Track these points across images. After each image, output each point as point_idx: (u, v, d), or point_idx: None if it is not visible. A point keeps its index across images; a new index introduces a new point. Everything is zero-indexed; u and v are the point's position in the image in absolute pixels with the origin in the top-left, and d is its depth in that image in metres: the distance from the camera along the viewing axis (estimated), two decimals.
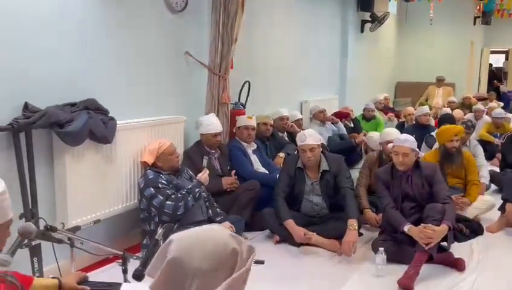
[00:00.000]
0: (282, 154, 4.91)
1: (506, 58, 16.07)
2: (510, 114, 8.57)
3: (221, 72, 4.30)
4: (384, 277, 3.17)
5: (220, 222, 3.48)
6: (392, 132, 4.28)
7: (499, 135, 7.01)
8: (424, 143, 6.05)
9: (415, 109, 8.09)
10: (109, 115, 3.25)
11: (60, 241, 2.01)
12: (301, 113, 6.53)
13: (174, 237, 1.13)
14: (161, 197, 3.29)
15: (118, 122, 3.30)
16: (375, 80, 10.01)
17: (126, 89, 3.63)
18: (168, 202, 3.29)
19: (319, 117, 6.38)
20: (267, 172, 4.47)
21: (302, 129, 5.78)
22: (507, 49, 15.69)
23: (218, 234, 1.13)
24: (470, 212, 4.25)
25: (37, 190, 2.86)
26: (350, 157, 5.10)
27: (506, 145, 5.69)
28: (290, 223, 3.60)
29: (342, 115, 6.79)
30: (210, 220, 3.54)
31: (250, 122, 4.47)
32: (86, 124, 2.95)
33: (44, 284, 1.75)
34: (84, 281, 1.92)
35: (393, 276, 3.14)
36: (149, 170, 3.41)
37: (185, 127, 4.16)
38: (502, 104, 11.04)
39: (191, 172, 3.70)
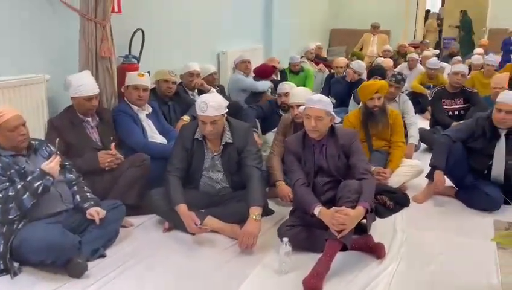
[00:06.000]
0: (186, 118, 4.16)
1: (443, 5, 15.78)
2: (445, 64, 8.20)
3: (98, 17, 3.41)
4: (288, 274, 2.60)
5: (87, 209, 2.75)
6: (301, 93, 3.60)
7: (432, 86, 6.59)
8: (352, 98, 5.50)
9: (348, 60, 7.52)
10: None
11: None
12: (218, 66, 5.78)
13: None
14: None
15: None
16: (307, 28, 9.30)
17: None
18: None
19: (241, 68, 5.65)
20: (166, 141, 3.72)
21: (216, 86, 5.05)
22: None
23: None
24: (395, 181, 3.76)
25: None
26: (269, 119, 4.43)
27: (434, 102, 5.23)
28: (182, 209, 2.92)
29: (265, 73, 5.99)
30: (76, 209, 2.80)
31: (141, 81, 3.64)
32: None
33: None
34: None
35: (300, 271, 2.57)
36: None
37: (51, 89, 3.30)
38: (437, 51, 10.75)
39: (52, 148, 2.89)
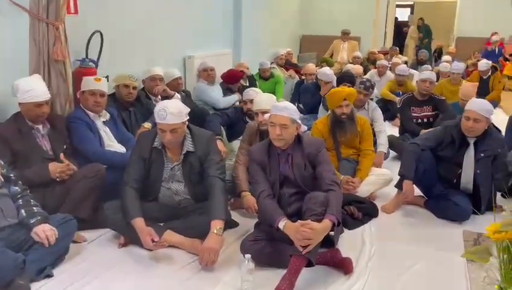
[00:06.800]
0: (147, 125, 3.96)
1: (412, 12, 15.99)
2: (414, 70, 8.23)
3: (50, 17, 3.19)
4: None
5: (33, 225, 2.52)
6: (265, 99, 3.45)
7: (401, 93, 6.57)
8: (321, 105, 5.40)
9: (317, 66, 7.45)
10: None
11: None
12: (184, 71, 5.59)
13: None
14: None
15: None
16: (277, 33, 9.20)
17: None
18: None
19: (203, 76, 5.45)
20: (125, 150, 3.52)
21: (182, 91, 4.87)
22: (412, 3, 15.58)
23: None
24: (364, 190, 3.66)
25: None
26: (235, 126, 4.26)
27: (402, 109, 5.18)
28: (139, 223, 2.72)
29: (233, 78, 5.81)
30: (21, 224, 2.57)
31: (98, 86, 3.43)
32: None
33: None
34: None
35: (264, 289, 2.42)
36: None
37: None
38: (405, 58, 10.82)
39: None
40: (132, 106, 4.08)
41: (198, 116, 4.12)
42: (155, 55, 5.01)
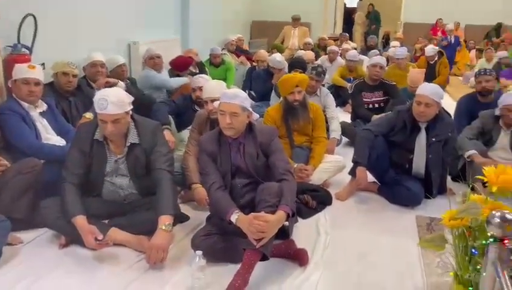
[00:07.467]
0: (89, 115, 3.69)
1: None
2: (363, 56, 8.29)
3: None
4: None
5: None
6: (215, 87, 3.30)
7: (352, 79, 6.59)
8: (273, 92, 5.31)
9: (268, 53, 7.34)
10: None
11: None
12: (129, 58, 5.33)
13: None
14: None
15: None
16: (227, 19, 9.01)
17: None
18: None
19: (149, 64, 5.20)
20: (65, 142, 3.27)
21: (126, 79, 4.62)
22: None
23: None
24: (317, 177, 3.61)
25: None
26: (184, 115, 4.08)
27: (354, 95, 5.17)
28: (80, 221, 2.52)
29: (182, 65, 5.59)
30: None
31: (32, 74, 3.15)
32: None
33: None
34: None
35: (216, 287, 2.31)
36: None
37: None
38: (355, 44, 10.92)
39: None
40: (72, 95, 3.82)
41: (144, 105, 3.90)
42: (97, 41, 4.71)
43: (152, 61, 5.17)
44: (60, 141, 3.26)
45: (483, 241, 1.70)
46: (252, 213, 2.36)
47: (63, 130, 3.37)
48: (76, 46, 4.35)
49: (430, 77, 7.33)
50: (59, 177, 2.72)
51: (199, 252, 2.32)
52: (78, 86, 3.87)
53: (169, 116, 3.97)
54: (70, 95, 3.79)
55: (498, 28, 12.00)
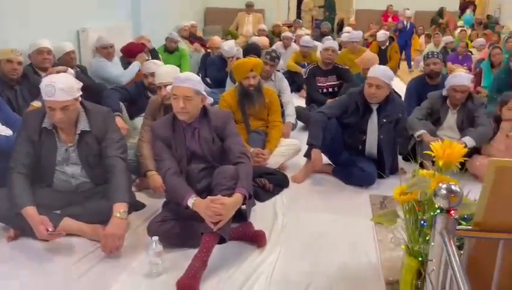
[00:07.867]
0: (36, 103, 3.51)
1: None
2: (317, 42, 8.37)
3: None
4: (161, 276, 2.29)
5: None
6: (168, 71, 3.24)
7: (306, 64, 6.65)
8: (228, 78, 5.29)
9: (222, 39, 7.29)
10: None
11: None
12: (78, 45, 5.15)
13: None
14: None
15: None
16: (180, 6, 8.86)
17: None
18: None
19: (102, 53, 5.04)
20: (11, 132, 3.13)
21: (76, 67, 4.47)
22: None
23: None
24: (274, 161, 3.63)
25: None
26: (137, 102, 3.99)
27: (308, 80, 5.23)
28: (30, 212, 2.43)
29: (134, 52, 5.45)
30: None
31: None
32: None
33: None
34: None
35: (175, 272, 2.28)
36: None
37: None
38: (308, 31, 11.02)
39: None
40: (18, 83, 3.65)
41: (94, 91, 3.78)
42: (44, 28, 4.52)
43: (106, 50, 5.03)
44: (5, 131, 3.12)
45: (432, 213, 1.76)
46: (209, 197, 2.35)
47: (9, 120, 3.22)
48: (21, 33, 4.16)
49: (381, 61, 7.47)
50: (5, 168, 2.61)
51: (155, 238, 2.30)
52: (24, 74, 3.70)
53: (121, 103, 3.88)
54: (15, 84, 3.63)
55: (440, 13, 12.46)
